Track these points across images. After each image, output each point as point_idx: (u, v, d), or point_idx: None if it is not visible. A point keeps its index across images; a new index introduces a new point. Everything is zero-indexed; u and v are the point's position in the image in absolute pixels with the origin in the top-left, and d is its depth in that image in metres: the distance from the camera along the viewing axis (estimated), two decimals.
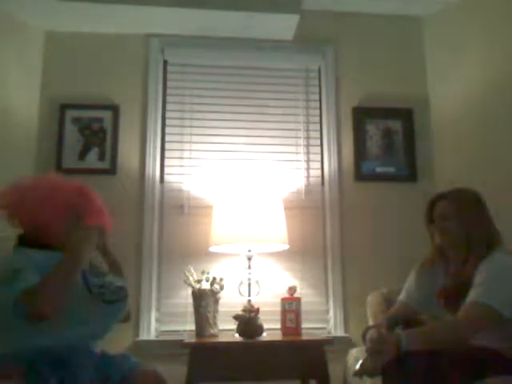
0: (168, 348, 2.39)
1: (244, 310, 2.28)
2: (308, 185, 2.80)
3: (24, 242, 1.60)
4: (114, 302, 1.58)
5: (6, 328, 1.43)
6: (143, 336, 2.50)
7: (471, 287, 1.64)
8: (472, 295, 1.62)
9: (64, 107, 2.70)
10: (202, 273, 2.39)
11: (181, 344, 2.17)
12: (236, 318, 2.27)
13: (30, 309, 1.33)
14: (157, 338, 2.53)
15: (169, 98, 2.82)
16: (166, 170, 2.73)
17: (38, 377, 1.36)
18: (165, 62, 2.85)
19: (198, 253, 2.55)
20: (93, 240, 1.60)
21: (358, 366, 1.63)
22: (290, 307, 2.37)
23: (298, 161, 2.82)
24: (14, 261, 1.49)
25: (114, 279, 1.64)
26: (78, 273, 1.50)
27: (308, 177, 2.81)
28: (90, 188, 1.70)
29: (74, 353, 1.46)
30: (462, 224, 1.76)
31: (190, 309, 2.39)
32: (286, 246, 2.46)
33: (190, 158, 2.75)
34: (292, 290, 2.42)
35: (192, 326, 2.35)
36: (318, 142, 2.86)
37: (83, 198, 1.65)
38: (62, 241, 1.54)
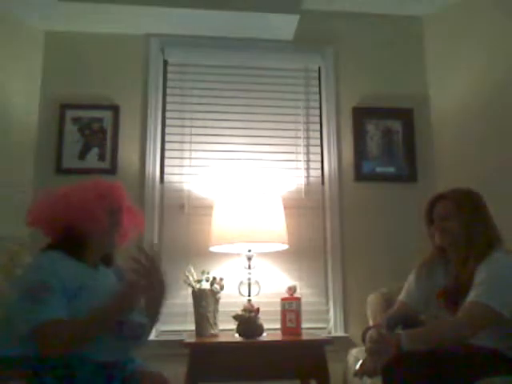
0: (168, 348, 2.39)
1: (244, 310, 2.28)
2: (308, 184, 2.80)
3: (53, 244, 1.57)
4: (130, 338, 1.56)
5: (13, 333, 1.41)
6: None
7: (471, 287, 1.64)
8: (472, 295, 1.62)
9: (64, 107, 2.70)
10: (202, 273, 2.38)
11: (181, 344, 2.17)
12: (236, 317, 2.27)
13: (43, 348, 1.34)
14: (157, 338, 2.52)
15: (169, 98, 2.82)
16: (166, 169, 2.73)
17: (38, 378, 1.35)
18: (165, 62, 2.85)
19: (198, 253, 2.55)
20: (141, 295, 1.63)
21: (358, 366, 1.63)
22: (290, 307, 2.36)
23: (297, 161, 2.82)
24: (44, 270, 1.45)
25: (137, 315, 1.61)
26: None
27: (308, 176, 2.81)
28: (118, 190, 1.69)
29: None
30: (462, 224, 1.76)
31: (190, 309, 2.38)
32: (286, 246, 2.46)
33: (190, 158, 2.75)
34: (292, 289, 2.41)
35: (192, 326, 2.35)
36: (318, 142, 2.86)
37: (117, 201, 1.66)
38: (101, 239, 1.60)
